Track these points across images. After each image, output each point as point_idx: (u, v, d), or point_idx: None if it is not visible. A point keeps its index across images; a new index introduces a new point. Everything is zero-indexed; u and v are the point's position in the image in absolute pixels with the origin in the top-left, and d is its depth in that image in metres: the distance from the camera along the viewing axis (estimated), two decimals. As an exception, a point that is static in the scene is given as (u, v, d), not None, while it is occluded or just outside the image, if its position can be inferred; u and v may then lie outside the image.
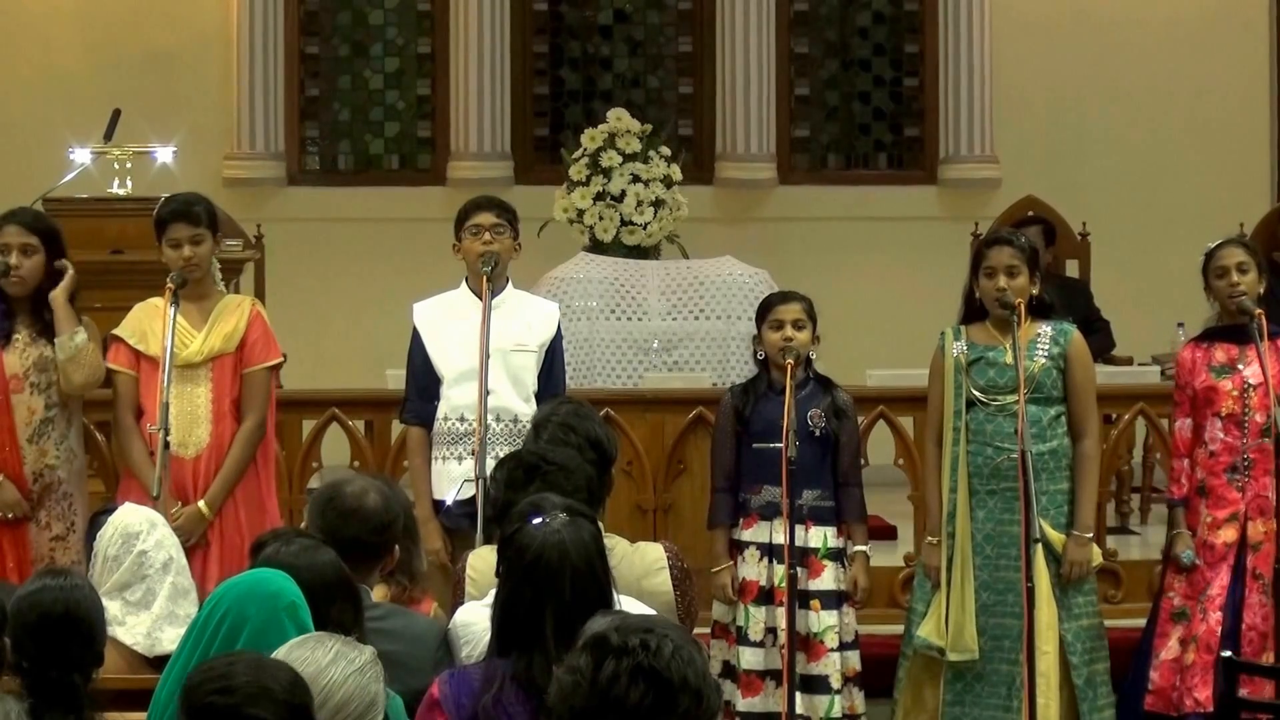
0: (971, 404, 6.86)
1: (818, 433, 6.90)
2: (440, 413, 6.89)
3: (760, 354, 7.03)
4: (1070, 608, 6.83)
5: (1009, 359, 6.82)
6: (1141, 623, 7.27)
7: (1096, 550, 6.98)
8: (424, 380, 6.96)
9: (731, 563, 6.96)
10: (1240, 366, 7.00)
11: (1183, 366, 7.14)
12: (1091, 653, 6.85)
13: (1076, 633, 6.82)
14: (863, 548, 6.99)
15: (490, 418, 6.73)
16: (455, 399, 6.86)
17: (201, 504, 6.68)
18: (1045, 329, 6.91)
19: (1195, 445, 7.06)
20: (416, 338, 7.02)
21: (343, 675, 3.74)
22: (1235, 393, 6.98)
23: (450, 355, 6.91)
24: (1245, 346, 6.98)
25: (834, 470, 6.95)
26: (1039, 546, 6.62)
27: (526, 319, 6.97)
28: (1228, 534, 6.97)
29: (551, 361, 6.96)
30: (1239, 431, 6.97)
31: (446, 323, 6.96)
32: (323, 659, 3.76)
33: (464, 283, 7.00)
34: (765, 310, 7.02)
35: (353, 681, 3.75)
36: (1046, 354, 6.86)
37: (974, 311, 6.97)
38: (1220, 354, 7.05)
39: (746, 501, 6.96)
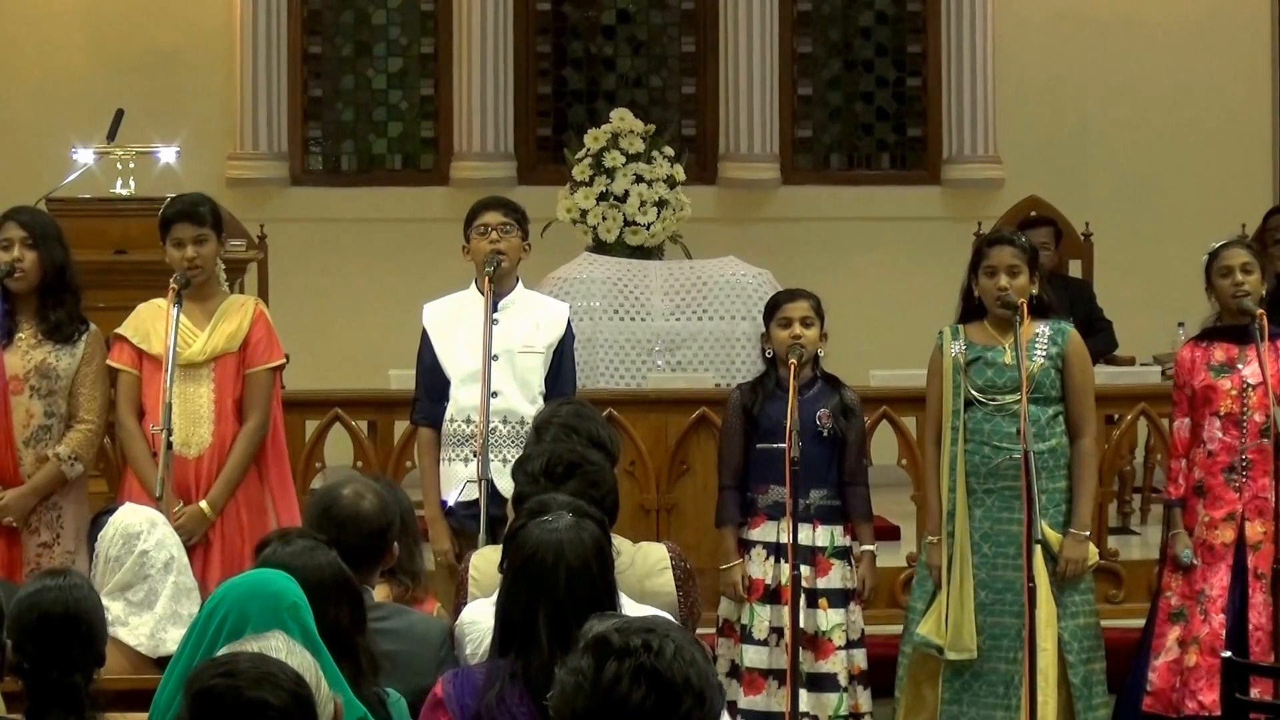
0: (969, 403, 6.85)
1: (825, 433, 6.90)
2: (447, 414, 6.87)
3: (768, 352, 7.03)
4: (1067, 606, 6.82)
5: (1007, 359, 6.82)
6: (1142, 622, 7.27)
7: (1093, 549, 6.97)
8: (432, 381, 6.95)
9: (741, 560, 6.96)
10: (1239, 366, 7.00)
11: (1181, 366, 7.14)
12: (1088, 652, 6.85)
13: (1073, 631, 6.82)
14: (870, 547, 7.00)
15: (497, 420, 6.72)
16: (462, 400, 6.84)
17: (203, 504, 6.67)
18: (1043, 329, 6.91)
19: (1193, 445, 7.06)
20: (425, 339, 7.00)
21: (287, 659, 3.71)
22: (1234, 392, 6.98)
23: (457, 357, 6.89)
24: (1245, 346, 6.98)
25: (840, 469, 6.96)
26: (1038, 546, 6.62)
27: (535, 319, 6.95)
28: (1225, 534, 6.97)
29: (560, 362, 6.93)
30: (1237, 431, 6.97)
31: (455, 324, 6.94)
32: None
33: (473, 284, 6.96)
34: (773, 308, 7.02)
35: (295, 661, 3.73)
36: (1045, 354, 6.86)
37: (971, 310, 6.98)
38: (1219, 353, 7.05)
39: (753, 501, 6.96)
